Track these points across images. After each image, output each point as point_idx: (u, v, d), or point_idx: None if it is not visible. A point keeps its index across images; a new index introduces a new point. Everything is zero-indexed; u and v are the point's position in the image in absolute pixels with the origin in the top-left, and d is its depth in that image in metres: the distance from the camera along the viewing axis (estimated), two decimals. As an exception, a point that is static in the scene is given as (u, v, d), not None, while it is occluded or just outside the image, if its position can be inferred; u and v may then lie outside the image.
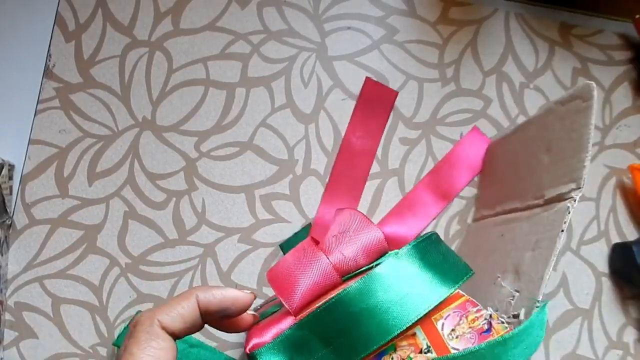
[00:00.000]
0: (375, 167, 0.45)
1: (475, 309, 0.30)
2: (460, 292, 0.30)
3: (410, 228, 0.44)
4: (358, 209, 0.44)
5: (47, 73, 0.45)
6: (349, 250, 0.31)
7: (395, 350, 0.29)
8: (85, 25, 0.46)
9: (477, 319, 0.29)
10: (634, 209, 0.45)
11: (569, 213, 0.31)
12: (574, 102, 0.33)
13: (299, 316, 0.30)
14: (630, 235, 0.45)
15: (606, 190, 0.46)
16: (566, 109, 0.34)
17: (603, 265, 0.45)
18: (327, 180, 0.45)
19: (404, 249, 0.31)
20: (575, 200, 0.31)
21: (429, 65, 0.47)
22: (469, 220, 0.45)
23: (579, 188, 0.31)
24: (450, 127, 0.46)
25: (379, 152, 0.45)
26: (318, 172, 0.45)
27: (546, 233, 0.32)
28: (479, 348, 0.27)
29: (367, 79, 0.45)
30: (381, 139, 0.46)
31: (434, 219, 0.45)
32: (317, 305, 0.30)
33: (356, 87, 0.46)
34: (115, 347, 0.42)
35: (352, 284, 0.29)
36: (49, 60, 0.45)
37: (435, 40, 0.47)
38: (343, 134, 0.45)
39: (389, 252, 0.32)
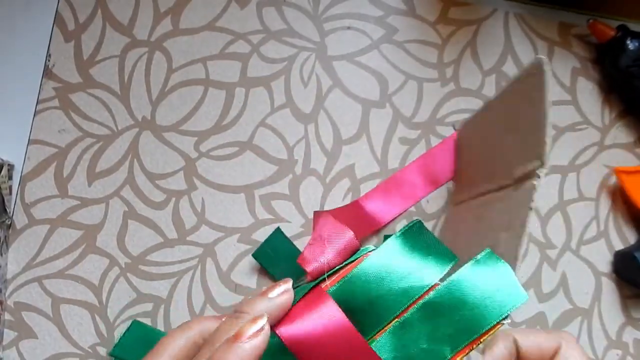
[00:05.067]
0: (374, 167, 0.45)
1: None
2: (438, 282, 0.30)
3: (394, 206, 0.45)
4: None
5: (47, 73, 0.45)
6: (323, 255, 0.31)
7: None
8: (85, 25, 0.46)
9: None
10: (629, 211, 0.45)
11: (535, 190, 0.30)
12: (528, 79, 0.33)
13: (282, 331, 0.30)
14: (630, 235, 0.45)
15: (606, 190, 0.46)
16: (524, 86, 0.34)
17: (603, 265, 0.45)
18: (327, 180, 0.45)
19: (384, 244, 0.31)
20: (539, 177, 0.31)
21: (428, 65, 0.47)
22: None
23: (543, 165, 0.31)
24: (450, 127, 0.46)
25: (378, 152, 0.45)
26: (318, 172, 0.45)
27: (517, 212, 0.32)
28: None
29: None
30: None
31: (418, 201, 0.45)
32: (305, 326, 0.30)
33: (356, 87, 0.46)
34: (112, 358, 0.42)
35: (330, 290, 0.29)
36: (49, 60, 0.45)
37: (435, 40, 0.47)
38: (343, 134, 0.46)
39: (362, 247, 0.32)
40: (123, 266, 0.43)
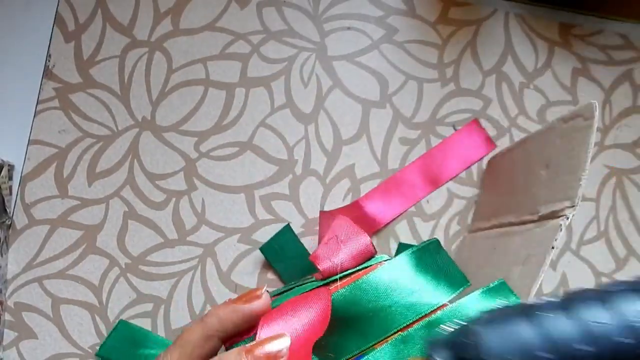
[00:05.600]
0: (374, 167, 0.45)
1: None
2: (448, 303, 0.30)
3: (394, 207, 0.45)
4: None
5: (47, 73, 0.45)
6: (336, 256, 0.32)
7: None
8: (85, 26, 0.46)
9: None
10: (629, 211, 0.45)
11: (561, 231, 0.31)
12: (575, 120, 0.33)
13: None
14: (630, 235, 0.45)
15: (606, 190, 0.46)
16: (567, 126, 0.34)
17: (603, 265, 0.45)
18: (327, 180, 0.45)
19: (398, 257, 0.31)
20: (568, 218, 0.31)
21: (428, 65, 0.47)
22: (470, 222, 0.45)
23: (573, 206, 0.31)
24: (450, 127, 0.46)
25: (378, 152, 0.45)
26: (318, 172, 0.45)
27: (537, 249, 0.32)
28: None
29: (475, 120, 0.46)
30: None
31: (418, 201, 0.45)
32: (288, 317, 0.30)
33: (356, 87, 0.46)
34: (99, 358, 0.42)
35: (339, 292, 0.29)
36: (49, 61, 0.45)
37: (435, 40, 0.47)
38: (343, 134, 0.46)
39: (377, 256, 0.32)
40: (123, 266, 0.43)
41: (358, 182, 0.45)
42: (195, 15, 0.46)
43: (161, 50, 0.46)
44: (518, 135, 0.46)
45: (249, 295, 0.26)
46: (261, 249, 0.43)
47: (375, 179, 0.45)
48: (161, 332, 0.43)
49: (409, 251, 0.31)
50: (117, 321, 0.43)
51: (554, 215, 0.33)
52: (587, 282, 0.45)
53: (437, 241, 0.32)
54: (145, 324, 0.43)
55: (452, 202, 0.45)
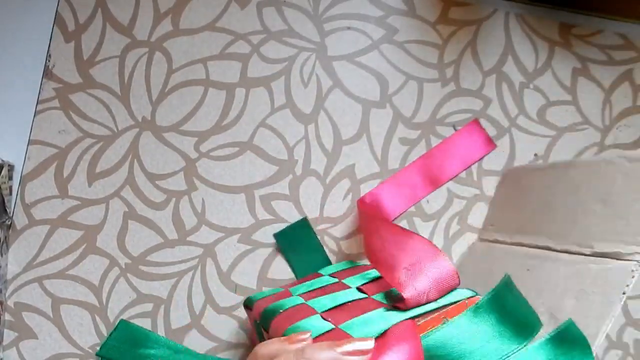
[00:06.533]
0: (374, 167, 0.45)
1: None
2: None
3: (394, 206, 0.45)
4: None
5: (47, 73, 0.45)
6: (421, 284, 0.30)
7: None
8: (85, 26, 0.46)
9: None
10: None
11: (634, 277, 0.30)
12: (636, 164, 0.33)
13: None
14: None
15: (606, 190, 0.46)
16: (633, 166, 0.33)
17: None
18: (327, 180, 0.45)
19: (482, 301, 0.29)
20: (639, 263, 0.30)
21: (428, 65, 0.47)
22: (470, 222, 0.45)
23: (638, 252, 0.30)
24: (450, 127, 0.46)
25: (378, 152, 0.45)
26: (318, 172, 0.45)
27: (596, 287, 0.31)
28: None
29: (476, 120, 0.46)
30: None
31: (418, 201, 0.45)
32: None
33: (356, 87, 0.46)
34: (99, 358, 0.42)
35: (428, 334, 0.28)
36: (49, 61, 0.45)
37: (435, 40, 0.47)
38: (343, 134, 0.45)
39: (460, 290, 0.31)
40: (123, 266, 0.43)
41: (358, 182, 0.45)
42: (195, 15, 0.46)
43: (161, 50, 0.46)
44: (518, 135, 0.46)
45: (296, 337, 0.26)
46: (275, 235, 0.44)
47: (375, 179, 0.45)
48: (161, 332, 0.43)
49: (490, 294, 0.29)
50: (117, 321, 0.43)
51: (617, 256, 0.32)
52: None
53: (509, 278, 0.30)
54: (145, 324, 0.43)
55: (452, 202, 0.45)
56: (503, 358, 0.27)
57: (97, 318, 0.43)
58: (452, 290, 0.31)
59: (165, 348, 0.41)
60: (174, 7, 0.46)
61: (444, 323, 0.28)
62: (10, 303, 0.43)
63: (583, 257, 0.34)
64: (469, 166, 0.46)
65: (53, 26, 0.46)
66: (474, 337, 0.28)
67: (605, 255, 0.33)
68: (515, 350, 0.28)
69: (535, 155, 0.46)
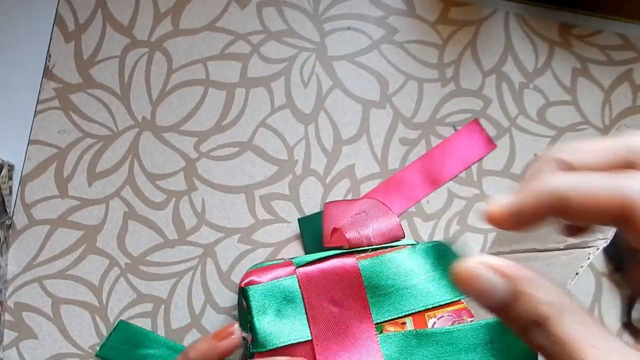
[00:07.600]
0: (374, 167, 0.45)
1: (470, 319, 0.30)
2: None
3: (394, 207, 0.45)
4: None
5: (47, 73, 0.45)
6: (364, 230, 0.32)
7: (381, 331, 0.30)
8: (85, 26, 0.46)
9: None
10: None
11: (589, 259, 0.31)
12: None
13: (299, 271, 0.31)
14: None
15: (606, 190, 0.46)
16: None
17: (603, 265, 0.45)
18: (327, 180, 0.45)
19: (423, 245, 0.31)
20: (598, 249, 0.31)
21: (428, 65, 0.47)
22: (470, 222, 0.45)
23: (606, 239, 0.31)
24: (450, 127, 0.46)
25: (378, 152, 0.45)
26: (318, 172, 0.45)
27: (558, 274, 0.32)
28: (455, 328, 0.28)
29: (476, 120, 0.46)
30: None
31: (418, 202, 0.45)
32: (321, 267, 0.30)
33: (356, 88, 0.46)
34: (99, 358, 0.42)
35: (364, 261, 0.30)
36: (49, 61, 0.45)
37: (435, 40, 0.47)
38: (343, 134, 0.46)
39: (404, 240, 0.32)
40: (123, 266, 0.43)
41: (358, 182, 0.45)
42: (195, 15, 0.46)
43: (161, 50, 0.46)
44: (518, 135, 0.46)
45: (224, 333, 0.32)
46: (299, 220, 0.44)
47: (375, 179, 0.45)
48: (161, 332, 0.43)
49: (436, 242, 0.32)
50: (117, 321, 0.43)
51: (583, 245, 0.33)
52: (587, 282, 0.45)
53: (458, 242, 0.33)
54: (145, 324, 0.43)
55: (452, 202, 0.45)
56: (435, 303, 0.30)
57: (97, 318, 0.43)
58: (395, 241, 0.33)
59: (165, 348, 0.41)
60: (174, 7, 0.46)
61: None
62: (10, 303, 0.43)
63: (557, 251, 0.36)
64: (469, 166, 0.46)
65: (53, 26, 0.46)
66: (409, 275, 0.30)
67: (574, 247, 0.34)
68: (450, 300, 0.30)
69: (535, 155, 0.46)
